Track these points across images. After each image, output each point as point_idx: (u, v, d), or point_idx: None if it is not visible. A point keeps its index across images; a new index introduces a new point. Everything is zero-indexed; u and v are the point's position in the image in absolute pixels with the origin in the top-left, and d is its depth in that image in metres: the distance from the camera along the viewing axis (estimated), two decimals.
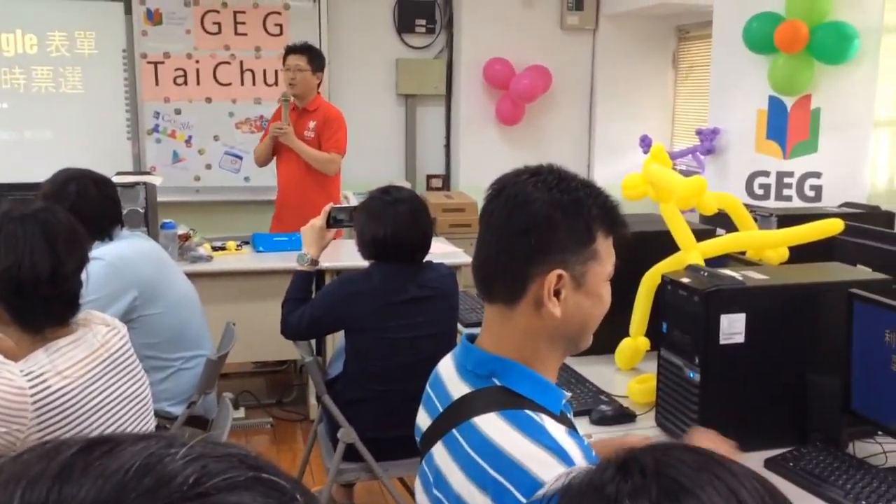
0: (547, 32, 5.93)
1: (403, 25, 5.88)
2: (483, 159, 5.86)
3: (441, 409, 1.31)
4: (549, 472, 1.09)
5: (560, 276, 1.20)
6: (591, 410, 2.01)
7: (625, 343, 2.28)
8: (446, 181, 6.12)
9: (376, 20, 5.84)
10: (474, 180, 5.86)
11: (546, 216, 1.20)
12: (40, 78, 5.41)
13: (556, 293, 1.21)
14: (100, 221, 2.47)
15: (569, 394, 1.32)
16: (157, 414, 2.43)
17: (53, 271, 1.65)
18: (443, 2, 5.94)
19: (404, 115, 6.00)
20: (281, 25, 5.61)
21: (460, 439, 1.22)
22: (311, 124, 4.34)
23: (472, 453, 1.19)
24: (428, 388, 1.40)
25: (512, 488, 1.12)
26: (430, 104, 6.05)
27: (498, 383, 1.24)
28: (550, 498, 0.86)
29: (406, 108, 6.00)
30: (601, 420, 1.98)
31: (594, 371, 2.26)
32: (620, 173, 5.74)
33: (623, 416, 2.00)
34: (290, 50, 4.33)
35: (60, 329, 1.73)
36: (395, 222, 2.56)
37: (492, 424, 1.18)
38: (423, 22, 5.91)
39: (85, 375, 1.71)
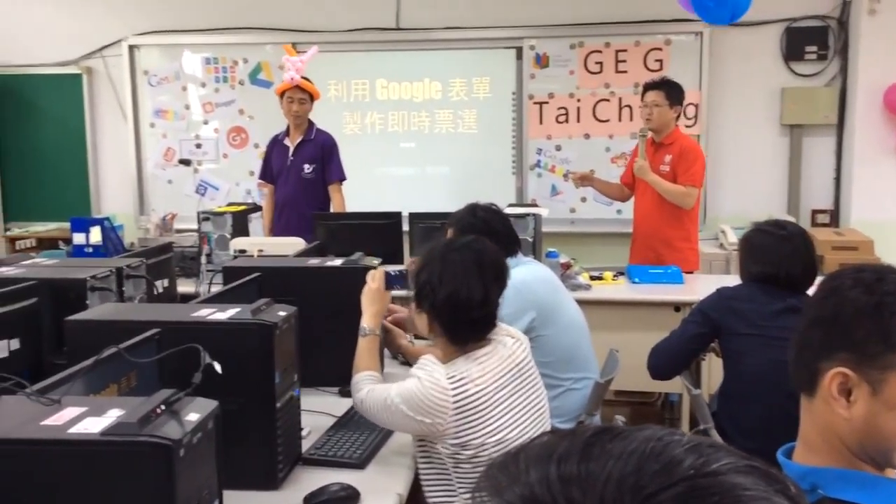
0: None
1: (791, 53, 5.60)
2: (880, 193, 5.35)
3: None
4: None
5: (843, 376, 1.14)
6: None
7: None
8: (834, 217, 5.66)
9: (762, 49, 5.64)
10: (869, 216, 5.36)
11: (841, 313, 1.17)
12: (442, 120, 6.10)
13: (848, 393, 1.14)
14: (504, 242, 2.75)
15: None
16: None
17: (484, 298, 1.91)
18: (837, 26, 5.55)
19: (788, 146, 5.69)
20: (661, 61, 5.68)
21: None
22: (667, 158, 4.32)
23: None
24: None
25: None
26: (819, 134, 5.66)
27: (823, 493, 1.16)
28: None
29: (791, 138, 5.68)
30: None
31: None
32: None
33: None
34: (648, 86, 4.37)
35: (479, 342, 1.97)
36: (788, 261, 2.53)
37: None
38: (814, 48, 5.57)
39: (495, 382, 1.93)
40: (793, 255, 2.55)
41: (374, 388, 1.97)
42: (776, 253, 2.55)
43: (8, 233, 6.45)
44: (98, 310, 2.02)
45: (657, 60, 5.68)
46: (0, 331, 1.89)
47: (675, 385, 3.60)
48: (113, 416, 1.16)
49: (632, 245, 4.63)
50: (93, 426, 1.14)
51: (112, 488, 1.12)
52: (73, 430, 1.14)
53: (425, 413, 1.85)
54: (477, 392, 1.88)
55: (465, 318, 1.91)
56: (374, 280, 2.18)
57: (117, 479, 1.12)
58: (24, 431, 1.16)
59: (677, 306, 3.90)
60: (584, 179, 4.72)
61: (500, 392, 1.93)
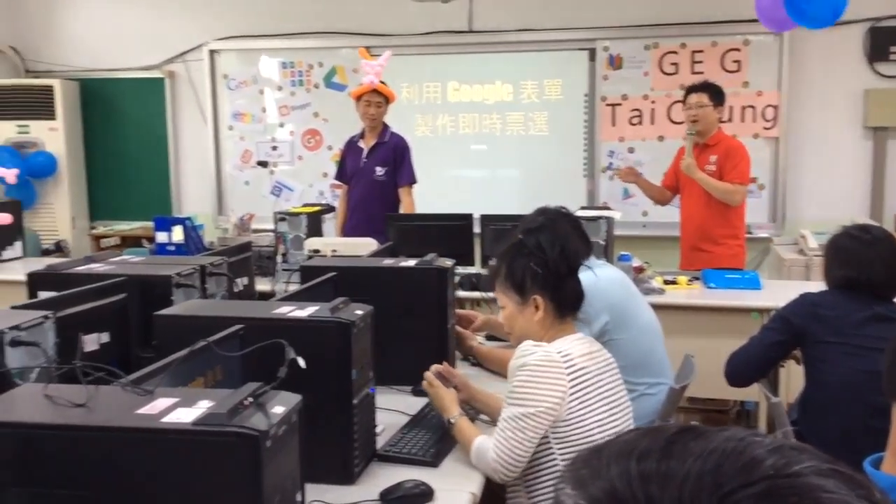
0: None
1: (876, 53, 5.42)
2: None
3: None
4: None
5: None
6: None
7: None
8: None
9: (844, 50, 5.47)
10: None
11: None
12: (513, 122, 6.10)
13: None
14: None
15: None
16: None
17: (586, 255, 2.11)
18: None
19: (872, 149, 5.51)
20: (739, 62, 5.56)
21: None
22: (712, 158, 4.36)
23: None
24: None
25: None
26: None
27: None
28: None
29: (874, 141, 5.49)
30: None
31: None
32: None
33: None
34: (692, 89, 4.41)
35: (570, 325, 2.08)
36: (870, 265, 2.47)
37: None
38: None
39: (595, 365, 1.99)
40: (877, 260, 2.49)
41: (492, 437, 1.95)
42: (860, 257, 2.51)
43: (94, 231, 6.72)
44: (184, 305, 2.09)
45: (735, 61, 5.57)
46: (92, 324, 1.98)
47: (752, 392, 3.53)
48: (203, 406, 1.21)
49: (681, 247, 4.61)
50: (185, 416, 1.19)
51: (202, 476, 1.17)
52: (166, 419, 1.19)
53: (549, 388, 1.89)
54: (584, 367, 1.96)
55: (569, 281, 2.05)
56: (431, 385, 2.18)
57: (207, 467, 1.17)
58: (120, 420, 1.21)
59: (754, 312, 3.83)
60: (630, 174, 4.79)
61: (599, 375, 1.99)
